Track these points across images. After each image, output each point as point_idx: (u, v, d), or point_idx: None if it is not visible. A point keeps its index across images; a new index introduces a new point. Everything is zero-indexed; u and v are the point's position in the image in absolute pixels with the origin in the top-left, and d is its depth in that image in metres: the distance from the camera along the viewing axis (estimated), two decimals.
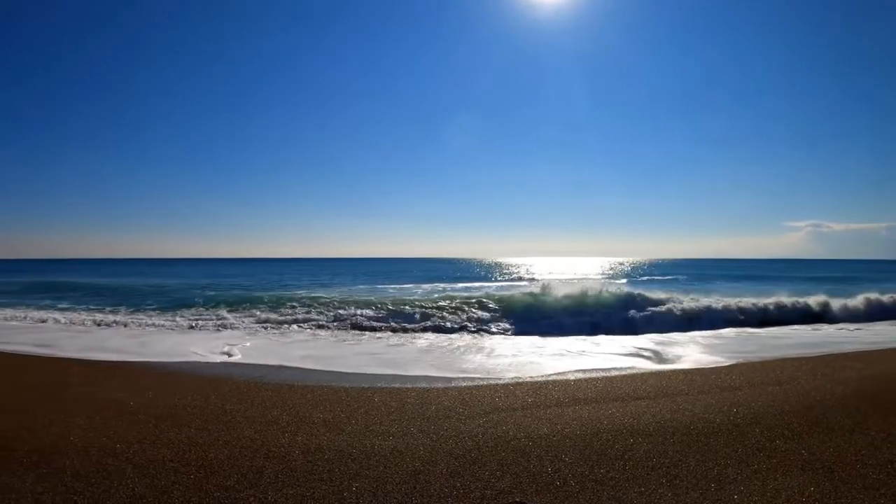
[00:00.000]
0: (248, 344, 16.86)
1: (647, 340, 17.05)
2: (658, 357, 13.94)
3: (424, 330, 21.80)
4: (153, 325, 22.37)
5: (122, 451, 6.69)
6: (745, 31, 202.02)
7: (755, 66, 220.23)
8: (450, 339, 18.10)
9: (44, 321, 23.62)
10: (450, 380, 11.43)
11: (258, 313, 25.03)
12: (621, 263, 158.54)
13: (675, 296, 27.87)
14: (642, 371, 11.97)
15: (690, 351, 14.93)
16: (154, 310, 27.62)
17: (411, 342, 17.32)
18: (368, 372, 12.52)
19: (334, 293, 35.70)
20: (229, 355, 14.88)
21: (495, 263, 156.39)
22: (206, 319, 23.41)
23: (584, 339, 17.37)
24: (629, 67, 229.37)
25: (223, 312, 25.31)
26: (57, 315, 25.10)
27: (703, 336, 18.35)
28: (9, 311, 26.55)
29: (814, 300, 27.57)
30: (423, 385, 10.88)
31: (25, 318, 24.54)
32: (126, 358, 14.25)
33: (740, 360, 13.13)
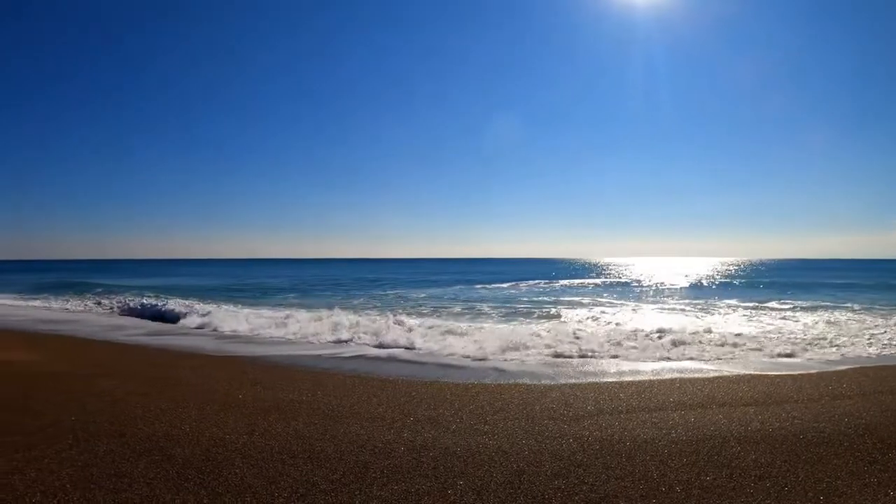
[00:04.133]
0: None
1: None
2: None
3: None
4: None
5: (231, 442, 6.82)
6: (838, 22, 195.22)
7: (862, 59, 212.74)
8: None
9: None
10: (552, 377, 11.41)
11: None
12: (728, 265, 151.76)
13: None
14: (750, 375, 11.58)
15: None
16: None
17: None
18: (470, 367, 12.62)
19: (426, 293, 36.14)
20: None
21: (602, 265, 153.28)
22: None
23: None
24: (717, 59, 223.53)
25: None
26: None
27: None
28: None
29: None
30: (527, 381, 10.91)
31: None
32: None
33: (852, 367, 12.66)
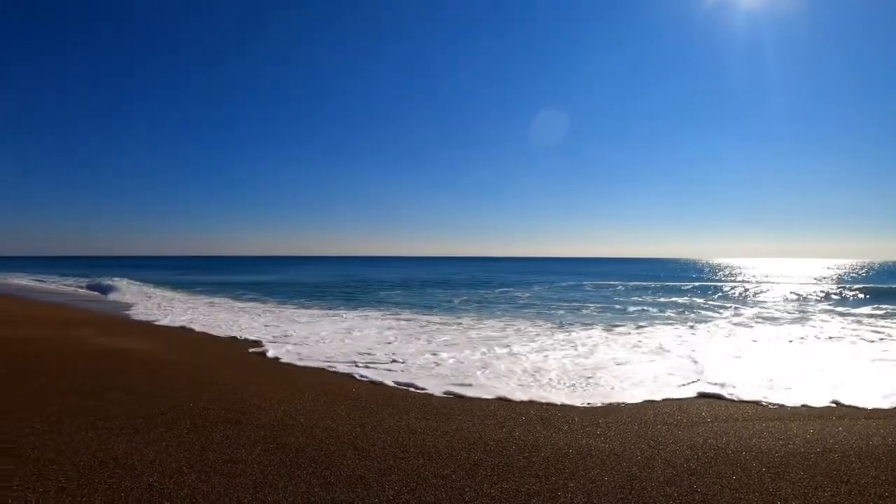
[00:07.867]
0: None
1: None
2: None
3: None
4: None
5: (344, 434, 6.94)
6: None
7: None
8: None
9: None
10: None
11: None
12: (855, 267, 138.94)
13: None
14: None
15: None
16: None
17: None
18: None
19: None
20: None
21: (719, 266, 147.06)
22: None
23: None
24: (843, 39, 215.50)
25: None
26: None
27: None
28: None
29: None
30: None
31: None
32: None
33: None
